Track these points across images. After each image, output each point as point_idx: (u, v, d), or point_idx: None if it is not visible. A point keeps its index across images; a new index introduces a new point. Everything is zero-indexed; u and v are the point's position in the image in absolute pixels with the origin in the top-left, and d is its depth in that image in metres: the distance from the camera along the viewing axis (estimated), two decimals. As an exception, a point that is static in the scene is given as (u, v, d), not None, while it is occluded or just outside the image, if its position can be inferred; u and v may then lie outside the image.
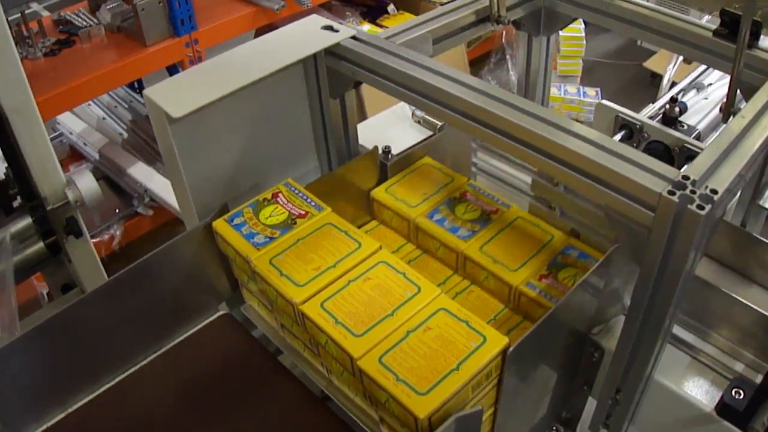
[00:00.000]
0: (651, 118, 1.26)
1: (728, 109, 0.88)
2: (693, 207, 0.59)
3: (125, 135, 2.37)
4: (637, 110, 1.17)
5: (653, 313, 0.69)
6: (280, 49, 0.90)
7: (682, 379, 0.79)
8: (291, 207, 0.87)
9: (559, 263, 0.86)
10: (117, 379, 0.85)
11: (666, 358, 0.78)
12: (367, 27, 2.78)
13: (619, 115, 1.09)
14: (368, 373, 0.68)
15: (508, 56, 3.06)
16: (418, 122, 1.47)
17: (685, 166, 0.66)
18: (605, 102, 1.13)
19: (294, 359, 0.86)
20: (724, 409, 0.73)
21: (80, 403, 0.82)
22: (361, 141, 1.06)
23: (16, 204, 1.28)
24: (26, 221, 1.27)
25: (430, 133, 1.42)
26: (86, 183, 1.26)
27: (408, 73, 0.82)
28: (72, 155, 2.50)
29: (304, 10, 2.32)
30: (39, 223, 1.27)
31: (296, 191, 0.89)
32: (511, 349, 0.67)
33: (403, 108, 1.50)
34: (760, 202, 0.96)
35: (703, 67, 1.41)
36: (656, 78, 3.07)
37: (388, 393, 0.66)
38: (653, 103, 1.33)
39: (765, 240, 0.79)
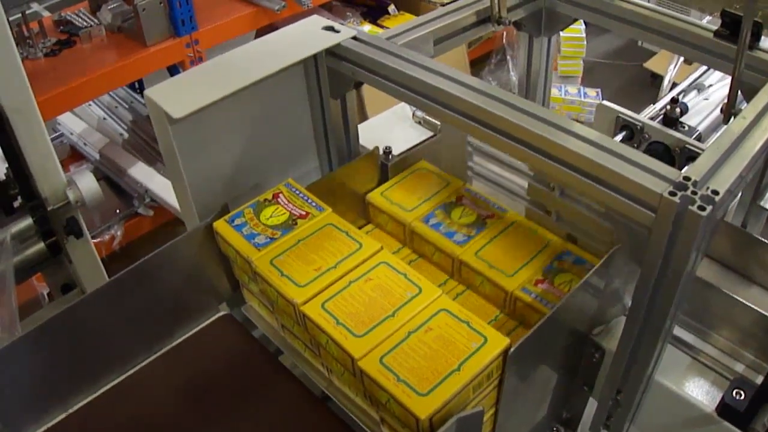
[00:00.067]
0: (652, 118, 1.26)
1: (729, 110, 0.88)
2: (694, 208, 0.59)
3: (126, 135, 2.37)
4: (638, 111, 1.17)
5: (654, 313, 0.69)
6: (280, 49, 0.90)
7: (682, 380, 0.79)
8: (292, 207, 0.87)
9: (555, 268, 0.85)
10: (117, 380, 0.85)
11: (667, 358, 0.78)
12: (367, 27, 2.78)
13: (620, 115, 1.09)
14: (369, 374, 0.68)
15: (508, 57, 3.06)
16: (419, 123, 1.47)
17: (686, 167, 0.66)
18: (606, 103, 1.13)
19: (294, 360, 0.86)
20: (724, 409, 0.73)
21: (81, 404, 0.82)
22: (361, 141, 1.06)
23: (16, 204, 1.28)
24: (27, 221, 1.27)
25: (431, 133, 1.42)
26: (87, 183, 1.26)
27: (408, 73, 0.82)
28: (72, 155, 2.50)
29: (304, 10, 2.32)
30: (39, 224, 1.27)
31: (297, 192, 0.89)
32: (512, 349, 0.67)
33: (403, 108, 1.50)
34: (761, 203, 0.96)
35: (704, 67, 1.41)
36: (657, 79, 3.07)
37: (389, 393, 0.66)
38: (654, 103, 1.33)
39: (766, 241, 0.79)
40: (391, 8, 2.91)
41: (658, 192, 0.61)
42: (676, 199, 0.60)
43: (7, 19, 1.10)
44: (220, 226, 0.85)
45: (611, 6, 1.07)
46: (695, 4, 1.16)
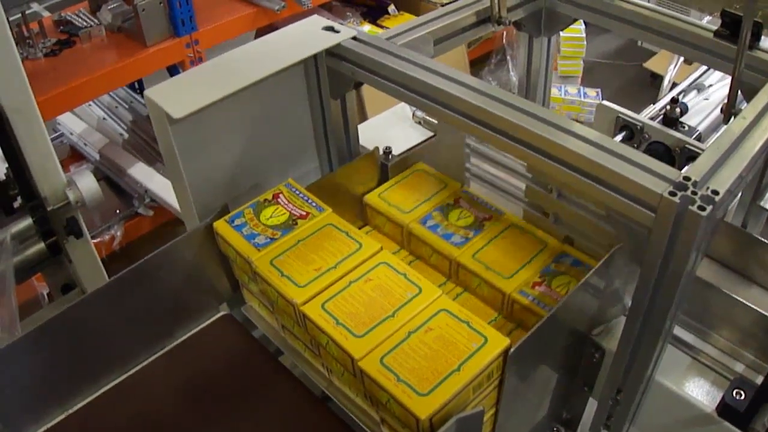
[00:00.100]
0: (652, 119, 1.26)
1: (729, 110, 0.88)
2: (694, 208, 0.59)
3: (126, 135, 2.37)
4: (638, 111, 1.17)
5: (654, 313, 0.69)
6: (280, 49, 0.90)
7: (682, 380, 0.79)
8: (292, 208, 0.87)
9: (553, 271, 0.85)
10: (118, 380, 0.85)
11: (667, 358, 0.78)
12: (367, 27, 2.78)
13: (620, 115, 1.09)
14: (369, 374, 0.68)
15: (508, 57, 3.06)
16: (419, 123, 1.47)
17: (686, 167, 0.66)
18: (606, 103, 1.13)
19: (294, 360, 0.86)
20: (724, 409, 0.73)
21: (81, 404, 0.82)
22: (361, 141, 1.06)
23: (16, 204, 1.28)
24: (27, 222, 1.27)
25: (431, 133, 1.42)
26: (87, 183, 1.26)
27: (408, 73, 0.82)
28: (72, 155, 2.50)
29: (304, 10, 2.32)
30: (39, 224, 1.27)
31: (297, 192, 0.89)
32: (512, 349, 0.67)
33: (403, 108, 1.50)
34: (761, 203, 0.96)
35: (704, 67, 1.41)
36: (657, 79, 3.07)
37: (389, 394, 0.66)
38: (654, 103, 1.33)
39: (765, 241, 0.79)
40: (391, 8, 2.92)
41: (658, 192, 0.61)
42: (676, 199, 0.60)
43: (7, 19, 1.10)
44: (220, 226, 0.85)
45: (611, 6, 1.07)
46: (695, 4, 1.16)
